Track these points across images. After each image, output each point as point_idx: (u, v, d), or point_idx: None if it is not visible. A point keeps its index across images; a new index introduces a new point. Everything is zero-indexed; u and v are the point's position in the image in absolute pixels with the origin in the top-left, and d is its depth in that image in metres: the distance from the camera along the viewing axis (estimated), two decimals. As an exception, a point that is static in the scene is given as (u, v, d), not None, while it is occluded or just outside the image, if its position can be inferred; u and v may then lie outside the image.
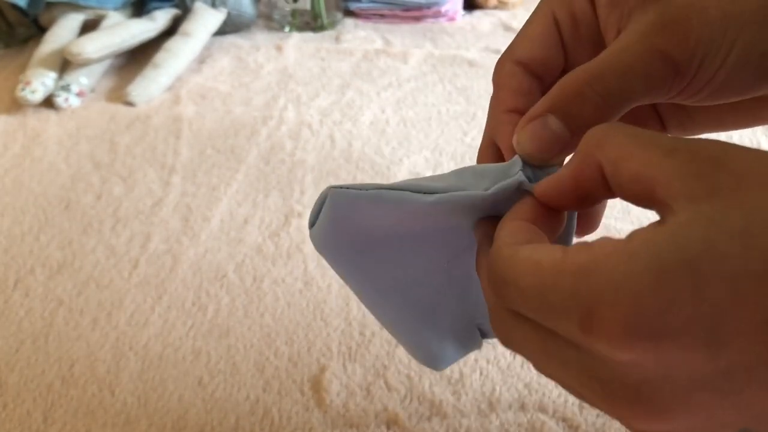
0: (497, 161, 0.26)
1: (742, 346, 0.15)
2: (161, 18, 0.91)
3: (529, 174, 0.22)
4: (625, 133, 0.18)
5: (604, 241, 0.17)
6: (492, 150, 0.27)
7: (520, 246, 0.19)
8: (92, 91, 0.84)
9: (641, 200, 0.18)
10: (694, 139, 0.17)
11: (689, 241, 0.15)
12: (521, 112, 0.24)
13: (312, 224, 0.25)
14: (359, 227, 0.25)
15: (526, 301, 0.18)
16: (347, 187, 0.24)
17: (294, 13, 1.01)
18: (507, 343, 0.20)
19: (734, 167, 0.16)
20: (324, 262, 0.54)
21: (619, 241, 0.16)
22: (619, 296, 0.15)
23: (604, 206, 0.27)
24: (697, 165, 0.16)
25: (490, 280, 0.20)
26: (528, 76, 0.25)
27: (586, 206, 0.21)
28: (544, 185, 0.21)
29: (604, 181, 0.19)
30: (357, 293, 0.29)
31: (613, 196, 0.19)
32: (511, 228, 0.20)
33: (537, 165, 0.22)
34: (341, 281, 0.54)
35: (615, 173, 0.18)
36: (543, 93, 0.24)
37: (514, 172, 0.22)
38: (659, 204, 0.17)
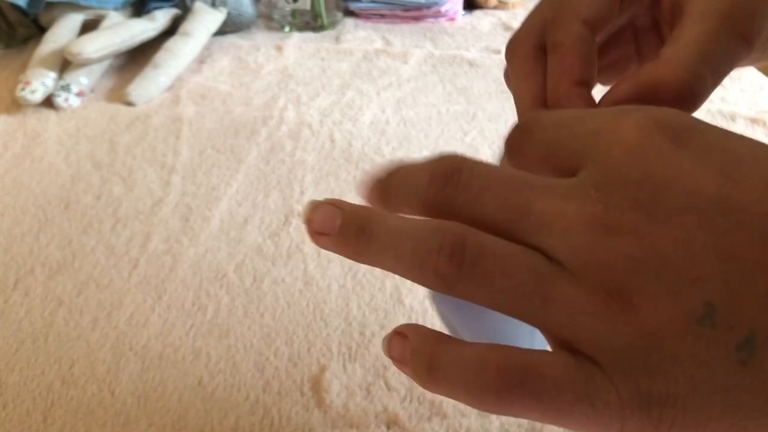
0: None
1: (748, 188, 0.15)
2: (161, 18, 0.91)
3: None
4: None
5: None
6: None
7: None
8: (92, 91, 0.84)
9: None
10: None
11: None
12: (588, 86, 0.23)
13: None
14: None
15: (559, 116, 0.19)
16: None
17: (294, 13, 1.01)
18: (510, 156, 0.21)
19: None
20: (324, 262, 0.55)
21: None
22: (665, 110, 0.17)
23: None
24: None
25: (518, 126, 0.21)
26: (594, 38, 0.23)
27: None
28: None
29: None
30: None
31: None
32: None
33: None
34: (341, 281, 0.54)
35: None
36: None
37: None
38: None
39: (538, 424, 0.41)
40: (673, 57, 0.21)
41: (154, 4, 0.94)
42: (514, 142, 0.20)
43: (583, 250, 0.16)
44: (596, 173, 0.16)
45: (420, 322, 0.48)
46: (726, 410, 0.15)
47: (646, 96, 0.21)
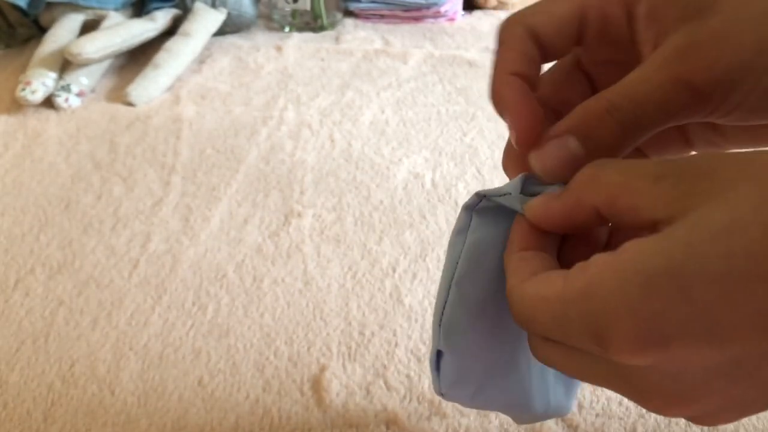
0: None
1: (743, 338, 0.16)
2: (161, 18, 0.91)
3: (529, 189, 0.23)
4: (614, 170, 0.19)
5: (598, 258, 0.18)
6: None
7: (526, 283, 0.20)
8: (92, 91, 0.84)
9: (639, 229, 0.19)
10: (685, 157, 0.18)
11: (673, 248, 0.16)
12: (524, 77, 0.24)
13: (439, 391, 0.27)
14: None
15: (548, 331, 0.20)
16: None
17: (294, 13, 1.01)
18: (544, 361, 0.22)
19: (723, 173, 0.17)
20: (324, 262, 0.55)
21: (610, 255, 0.17)
22: (618, 314, 0.16)
23: None
24: (684, 184, 0.17)
25: (514, 317, 0.21)
26: (535, 46, 0.25)
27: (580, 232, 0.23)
28: (539, 216, 0.22)
29: (599, 218, 0.20)
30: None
31: (607, 223, 0.21)
32: (513, 266, 0.22)
33: (546, 182, 0.23)
34: (341, 281, 0.54)
35: (612, 212, 0.19)
36: (542, 63, 0.25)
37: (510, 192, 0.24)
38: (651, 227, 0.18)
39: (537, 424, 0.41)
40: (602, 92, 0.22)
41: (154, 5, 0.94)
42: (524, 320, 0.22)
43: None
44: (620, 370, 0.19)
45: (420, 322, 0.49)
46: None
47: (576, 129, 0.22)
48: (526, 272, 0.21)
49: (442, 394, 0.27)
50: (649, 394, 0.19)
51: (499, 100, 0.25)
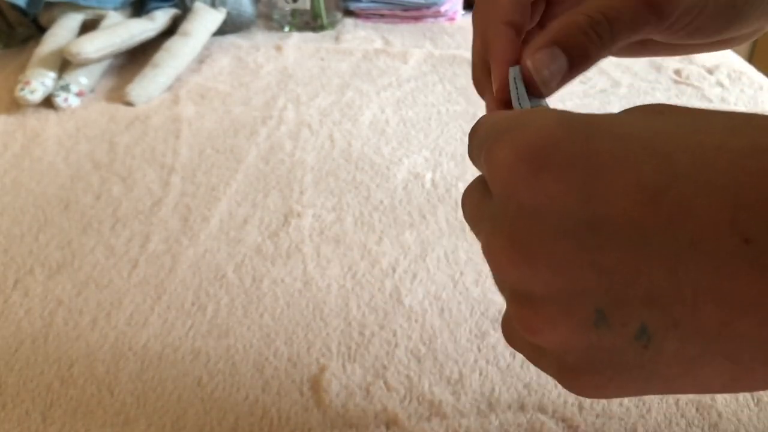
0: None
1: (611, 199, 0.16)
2: (161, 18, 0.91)
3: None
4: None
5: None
6: (486, 66, 0.30)
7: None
8: (92, 91, 0.84)
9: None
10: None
11: (595, 115, 0.18)
12: (516, 27, 0.28)
13: None
14: None
15: (476, 134, 0.21)
16: None
17: (294, 13, 1.01)
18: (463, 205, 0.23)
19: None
20: (323, 262, 0.54)
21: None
22: (528, 127, 0.18)
23: None
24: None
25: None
26: (516, 36, 0.28)
27: None
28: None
29: None
30: None
31: None
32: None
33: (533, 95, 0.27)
34: (341, 281, 0.54)
35: None
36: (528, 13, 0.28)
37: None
38: None
39: (537, 424, 0.41)
40: (580, 8, 0.25)
41: (153, 4, 0.94)
42: (470, 156, 0.23)
43: (498, 279, 0.19)
44: (495, 205, 0.19)
45: (420, 322, 0.49)
46: (651, 377, 0.17)
47: (561, 40, 0.25)
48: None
49: None
50: (497, 233, 0.18)
51: (490, 45, 0.28)
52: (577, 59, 0.25)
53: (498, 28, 0.28)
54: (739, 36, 0.28)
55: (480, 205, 0.20)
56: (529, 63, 0.26)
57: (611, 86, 0.81)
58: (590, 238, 0.16)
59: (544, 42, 0.25)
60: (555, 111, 0.19)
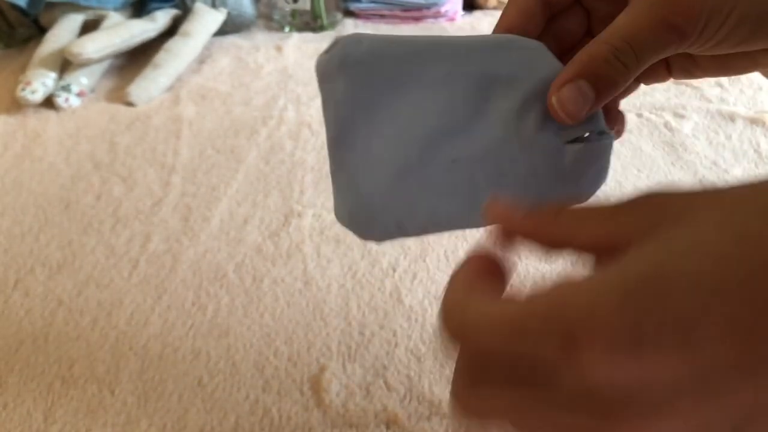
0: None
1: (713, 348, 0.16)
2: (161, 18, 0.91)
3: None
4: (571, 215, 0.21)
5: (563, 281, 0.18)
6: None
7: (478, 298, 0.19)
8: (92, 91, 0.84)
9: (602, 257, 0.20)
10: (631, 199, 0.19)
11: (645, 263, 0.17)
12: (518, 31, 0.28)
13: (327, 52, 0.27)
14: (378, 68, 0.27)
15: (495, 344, 0.18)
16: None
17: (294, 13, 1.01)
18: (469, 409, 0.20)
19: (672, 207, 0.18)
20: (323, 262, 0.55)
21: (578, 279, 0.17)
22: (595, 317, 0.16)
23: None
24: (638, 213, 0.19)
25: (445, 324, 0.20)
26: (539, 2, 0.29)
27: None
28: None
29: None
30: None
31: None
32: (470, 278, 0.21)
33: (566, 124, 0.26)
34: (341, 281, 0.54)
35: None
36: (549, 16, 0.29)
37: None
38: (616, 254, 0.18)
39: (537, 424, 0.41)
40: (602, 37, 0.25)
41: (154, 5, 0.94)
42: (461, 340, 0.20)
43: None
44: (582, 400, 0.18)
45: (420, 322, 0.49)
46: None
47: (586, 72, 0.25)
48: (483, 289, 0.20)
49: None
50: (608, 417, 0.17)
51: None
52: (604, 90, 0.25)
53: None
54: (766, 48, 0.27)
55: (529, 398, 0.18)
56: (554, 100, 0.26)
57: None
58: (704, 388, 0.16)
59: (568, 76, 0.25)
60: (589, 282, 0.17)
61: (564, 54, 0.28)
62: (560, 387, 0.17)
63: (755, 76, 0.83)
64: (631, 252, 0.17)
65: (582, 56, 0.26)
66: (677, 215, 0.18)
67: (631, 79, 0.26)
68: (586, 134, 0.27)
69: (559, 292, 0.17)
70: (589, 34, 0.32)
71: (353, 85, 0.27)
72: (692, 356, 0.16)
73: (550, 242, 0.21)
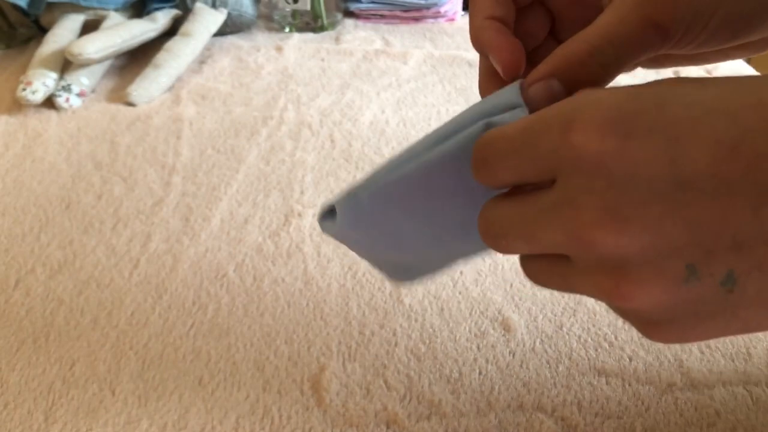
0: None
1: (694, 158, 0.17)
2: (162, 18, 0.91)
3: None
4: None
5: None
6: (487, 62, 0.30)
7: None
8: (93, 91, 0.84)
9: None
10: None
11: (658, 83, 0.19)
12: (499, 20, 0.28)
13: (321, 218, 0.27)
14: (378, 218, 0.27)
15: (511, 141, 0.21)
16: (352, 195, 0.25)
17: (294, 13, 1.01)
18: (491, 226, 0.23)
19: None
20: (324, 262, 0.55)
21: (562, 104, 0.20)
22: (600, 104, 0.18)
23: None
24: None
25: (474, 158, 0.23)
26: None
27: None
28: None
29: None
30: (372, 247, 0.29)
31: None
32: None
33: None
34: (341, 281, 0.54)
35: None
36: (512, 9, 0.29)
37: (514, 101, 0.25)
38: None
39: (536, 423, 0.41)
40: (581, 36, 0.25)
41: (154, 5, 0.94)
42: (481, 174, 0.23)
43: (579, 257, 0.20)
44: (569, 190, 0.19)
45: (420, 322, 0.49)
46: (731, 320, 0.19)
47: (559, 72, 0.25)
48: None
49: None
50: (585, 204, 0.18)
51: (479, 41, 0.28)
52: (577, 90, 0.25)
53: (482, 23, 0.28)
54: (754, 42, 0.27)
55: (529, 204, 0.21)
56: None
57: (610, 84, 0.81)
58: (679, 196, 0.17)
59: (540, 74, 0.25)
60: (609, 89, 0.19)
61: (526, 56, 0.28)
62: (551, 190, 0.20)
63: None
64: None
65: (558, 54, 0.25)
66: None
67: (610, 81, 0.25)
68: None
69: (561, 104, 0.20)
70: (553, 37, 0.31)
71: (361, 237, 0.28)
72: (675, 160, 0.17)
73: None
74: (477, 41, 0.29)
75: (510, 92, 0.24)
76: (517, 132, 0.21)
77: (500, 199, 0.23)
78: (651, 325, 0.20)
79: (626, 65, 0.24)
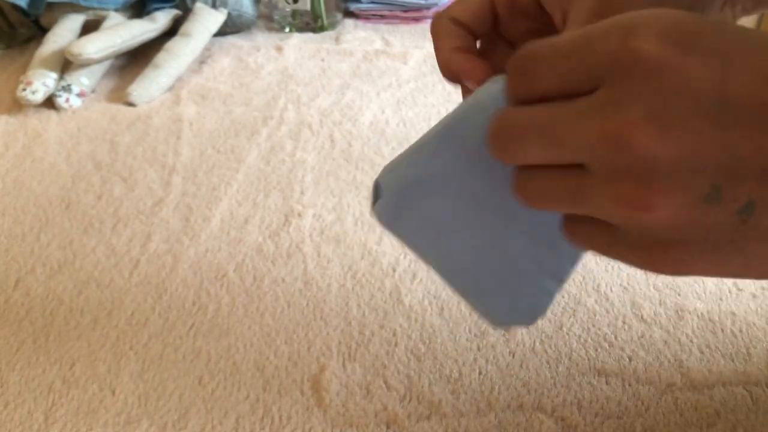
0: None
1: (744, 83, 0.18)
2: (162, 18, 0.91)
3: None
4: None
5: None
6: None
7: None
8: (93, 91, 0.84)
9: None
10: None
11: (702, 17, 0.19)
12: (464, 50, 0.30)
13: (375, 201, 0.27)
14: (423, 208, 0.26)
15: (559, 48, 0.20)
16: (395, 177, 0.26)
17: (294, 13, 1.01)
18: (508, 128, 0.22)
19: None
20: (323, 262, 0.55)
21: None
22: (662, 17, 0.19)
23: None
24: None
25: (512, 69, 0.22)
26: (461, 30, 0.31)
27: None
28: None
29: None
30: (433, 260, 0.28)
31: None
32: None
33: None
34: (341, 281, 0.54)
35: None
36: (473, 41, 0.31)
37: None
38: None
39: (536, 423, 0.41)
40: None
41: (154, 5, 0.94)
42: (524, 70, 0.22)
43: (605, 162, 0.19)
44: (616, 92, 0.19)
45: (420, 322, 0.49)
46: (735, 253, 0.19)
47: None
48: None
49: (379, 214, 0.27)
50: (631, 105, 0.18)
51: (450, 71, 0.30)
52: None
53: (449, 55, 0.30)
54: None
55: (563, 107, 0.20)
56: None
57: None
58: (722, 117, 0.18)
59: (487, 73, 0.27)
60: (668, 9, 0.20)
61: None
62: (598, 93, 0.19)
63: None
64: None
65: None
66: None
67: None
68: None
69: (619, 16, 0.20)
70: None
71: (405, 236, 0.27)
72: (724, 80, 0.18)
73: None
74: (448, 71, 0.30)
75: (494, 82, 0.24)
76: (567, 40, 0.20)
77: (526, 106, 0.22)
78: (656, 247, 0.20)
79: None
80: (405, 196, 0.26)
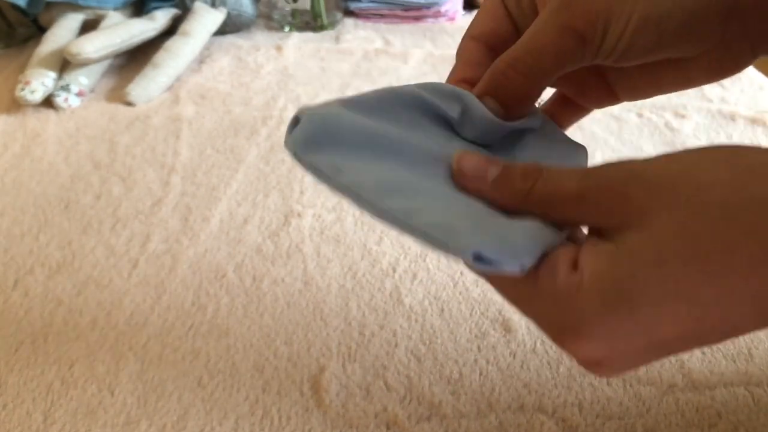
0: None
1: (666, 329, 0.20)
2: (161, 18, 0.91)
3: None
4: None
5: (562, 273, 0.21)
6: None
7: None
8: (92, 91, 0.84)
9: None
10: (599, 173, 0.21)
11: (622, 273, 0.20)
12: (469, 82, 0.29)
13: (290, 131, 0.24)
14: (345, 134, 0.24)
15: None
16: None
17: (294, 13, 1.01)
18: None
19: (635, 201, 0.20)
20: (323, 262, 0.54)
21: (574, 274, 0.21)
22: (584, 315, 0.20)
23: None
24: (606, 206, 0.21)
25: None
26: (483, 48, 0.30)
27: None
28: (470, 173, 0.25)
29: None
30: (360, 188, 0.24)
31: None
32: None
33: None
34: (341, 281, 0.54)
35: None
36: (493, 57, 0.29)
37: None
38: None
39: (537, 424, 0.41)
40: (507, 51, 0.26)
41: (153, 4, 0.94)
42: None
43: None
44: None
45: (420, 322, 0.49)
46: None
47: (490, 87, 0.26)
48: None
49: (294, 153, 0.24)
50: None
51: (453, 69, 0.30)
52: (510, 102, 0.26)
53: (464, 43, 0.30)
54: (689, 65, 0.27)
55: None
56: None
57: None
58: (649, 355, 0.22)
59: (477, 93, 0.27)
60: (580, 284, 0.21)
61: None
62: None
63: (757, 76, 0.83)
64: (600, 244, 0.21)
65: (488, 71, 0.27)
66: (639, 216, 0.20)
67: (539, 91, 0.26)
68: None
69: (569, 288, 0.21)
70: None
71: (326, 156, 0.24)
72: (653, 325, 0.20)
73: (517, 211, 0.23)
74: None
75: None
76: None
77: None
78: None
79: (551, 74, 0.25)
80: (328, 122, 0.24)
